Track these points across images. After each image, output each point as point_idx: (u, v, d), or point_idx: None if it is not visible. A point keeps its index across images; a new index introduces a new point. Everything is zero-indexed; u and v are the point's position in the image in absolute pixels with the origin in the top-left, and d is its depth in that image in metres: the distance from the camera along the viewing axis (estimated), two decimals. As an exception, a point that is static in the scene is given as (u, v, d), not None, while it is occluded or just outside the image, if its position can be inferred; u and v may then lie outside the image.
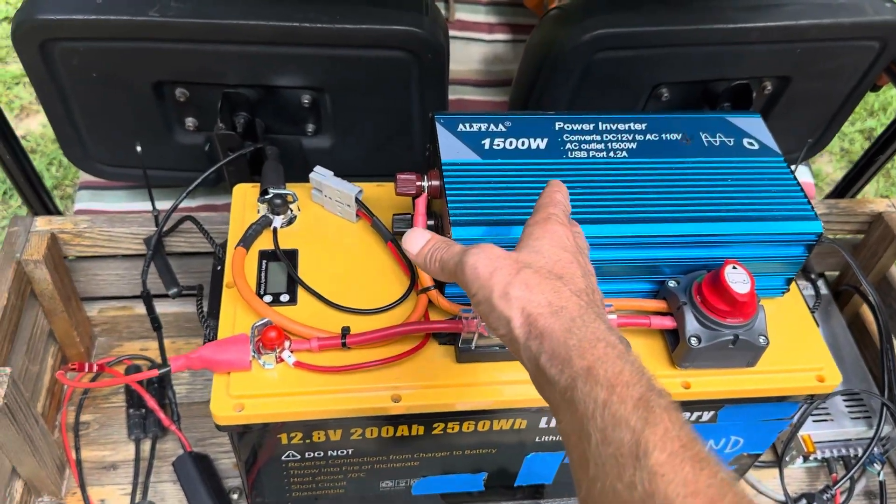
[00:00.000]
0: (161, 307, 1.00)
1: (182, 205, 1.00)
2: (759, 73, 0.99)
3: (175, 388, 0.99)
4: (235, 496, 0.92)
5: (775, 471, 0.99)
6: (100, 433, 0.97)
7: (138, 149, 0.89)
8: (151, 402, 0.92)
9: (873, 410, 1.00)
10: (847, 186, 1.22)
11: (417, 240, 0.57)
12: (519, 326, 0.48)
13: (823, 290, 1.12)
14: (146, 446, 0.96)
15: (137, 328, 1.05)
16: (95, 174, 1.04)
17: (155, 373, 0.68)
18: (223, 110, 0.88)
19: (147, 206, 0.95)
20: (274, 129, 0.96)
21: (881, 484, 0.99)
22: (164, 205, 0.90)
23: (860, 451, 0.98)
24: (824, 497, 0.96)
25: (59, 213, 1.12)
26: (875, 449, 0.97)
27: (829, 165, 2.38)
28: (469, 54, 1.49)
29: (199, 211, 1.13)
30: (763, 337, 0.70)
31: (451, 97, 1.39)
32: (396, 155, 1.01)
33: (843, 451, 0.99)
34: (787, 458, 0.99)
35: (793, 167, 0.78)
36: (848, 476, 0.96)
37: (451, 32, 1.49)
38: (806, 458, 0.98)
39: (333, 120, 0.95)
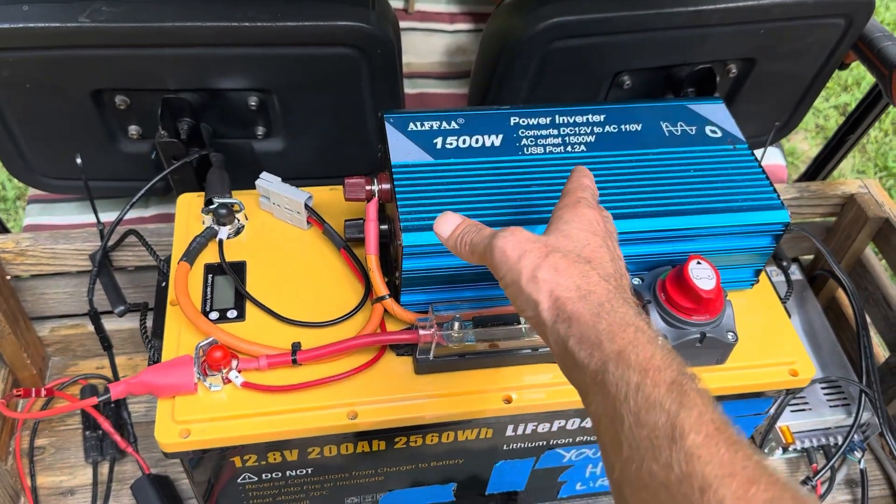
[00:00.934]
0: (114, 324, 0.97)
1: (135, 215, 0.96)
2: (722, 57, 0.96)
3: (133, 407, 0.96)
4: (199, 517, 0.88)
5: (754, 463, 0.96)
6: (56, 457, 0.93)
7: (78, 161, 0.84)
8: (106, 425, 0.88)
9: (852, 397, 0.98)
10: (820, 166, 1.20)
11: (448, 224, 0.57)
12: (547, 310, 0.48)
13: (798, 276, 1.09)
14: (104, 469, 0.92)
15: (92, 346, 1.01)
16: (40, 188, 0.99)
17: (94, 401, 0.65)
18: (164, 117, 0.84)
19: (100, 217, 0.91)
20: (222, 133, 0.92)
21: (862, 472, 0.97)
22: (111, 217, 0.86)
23: (840, 439, 0.96)
24: (805, 489, 0.94)
25: (5, 230, 1.08)
26: (855, 436, 0.95)
27: (805, 143, 2.36)
28: (431, 46, 1.45)
29: (152, 221, 1.09)
30: (731, 333, 0.67)
31: (413, 91, 1.36)
32: (352, 155, 0.97)
33: (823, 440, 0.97)
34: (766, 451, 0.96)
35: (761, 151, 0.75)
36: (828, 466, 0.94)
37: (412, 24, 1.46)
38: (785, 450, 0.96)
39: (283, 121, 0.91)
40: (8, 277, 0.90)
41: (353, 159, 0.98)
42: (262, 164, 0.95)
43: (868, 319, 1.05)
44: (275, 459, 0.70)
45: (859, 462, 0.97)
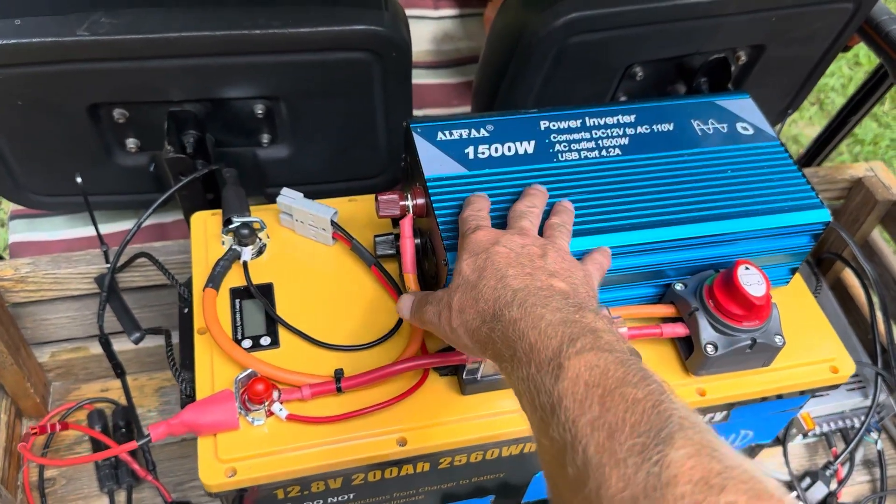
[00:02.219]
0: (119, 344, 0.92)
1: (126, 228, 0.92)
2: (733, 45, 0.95)
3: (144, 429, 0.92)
4: (226, 543, 0.85)
5: (775, 450, 0.97)
6: (68, 489, 0.90)
7: (78, 180, 0.80)
8: (124, 455, 0.84)
9: (867, 380, 0.99)
10: (820, 147, 1.20)
11: (404, 304, 0.62)
12: (474, 344, 0.53)
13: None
14: (121, 497, 0.89)
15: (95, 368, 0.97)
16: (30, 206, 0.94)
17: (133, 445, 0.61)
18: (170, 132, 0.79)
19: (89, 231, 0.87)
20: (225, 142, 0.87)
21: (879, 453, 0.99)
22: (106, 228, 0.82)
23: (856, 422, 0.97)
24: (827, 473, 0.95)
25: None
26: (871, 418, 0.96)
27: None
28: (416, 34, 1.40)
29: (146, 234, 1.04)
30: (779, 336, 0.67)
31: (403, 83, 1.32)
32: (360, 159, 0.94)
33: (840, 424, 0.98)
34: (788, 437, 0.97)
35: None
36: (848, 450, 0.95)
37: (397, 13, 1.41)
38: (805, 435, 0.97)
39: (290, 128, 0.87)
40: (6, 304, 0.86)
41: (361, 163, 0.94)
42: (266, 171, 0.92)
43: (877, 301, 1.07)
44: (318, 489, 0.67)
45: (876, 443, 0.99)
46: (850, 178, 1.03)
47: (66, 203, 0.94)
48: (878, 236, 1.06)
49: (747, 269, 0.64)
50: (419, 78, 1.35)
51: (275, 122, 0.87)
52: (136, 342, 0.77)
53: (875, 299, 1.04)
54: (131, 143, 0.87)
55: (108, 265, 0.79)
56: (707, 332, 0.66)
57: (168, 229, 1.05)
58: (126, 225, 1.05)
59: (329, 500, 0.70)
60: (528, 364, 0.47)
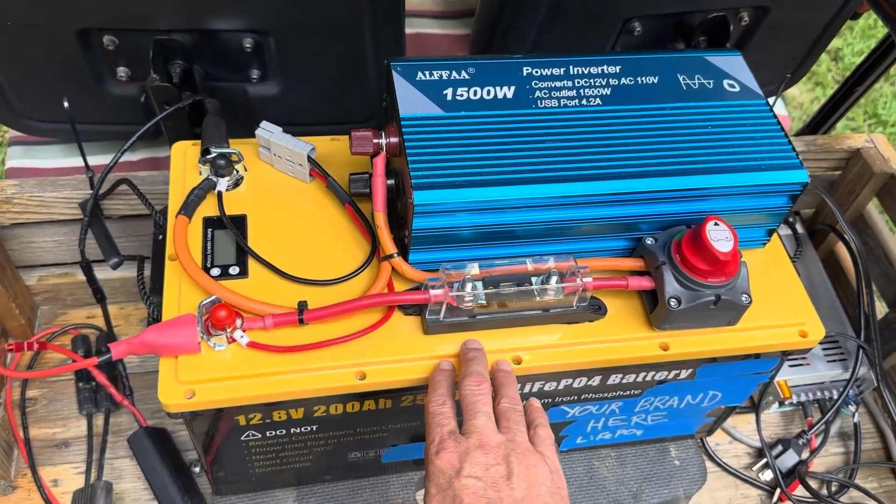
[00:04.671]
0: (106, 273, 0.94)
1: (122, 160, 0.93)
2: (736, 4, 0.93)
3: (127, 357, 0.94)
4: (197, 469, 0.87)
5: (750, 416, 0.97)
6: (48, 409, 0.92)
7: (66, 104, 0.80)
8: (101, 378, 0.86)
9: (849, 352, 0.98)
10: (825, 117, 1.18)
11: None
12: None
13: (799, 230, 1.09)
14: (99, 421, 0.91)
15: (82, 295, 0.98)
16: (24, 131, 0.95)
17: (94, 361, 0.62)
18: (156, 60, 0.79)
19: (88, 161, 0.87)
20: (215, 76, 0.87)
21: (855, 426, 0.99)
22: (102, 160, 0.82)
23: (835, 394, 0.97)
24: (800, 442, 0.95)
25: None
26: (850, 391, 0.95)
27: (795, 88, 2.33)
28: (426, -17, 1.39)
29: (140, 166, 1.05)
30: (745, 295, 0.66)
31: (408, 31, 1.30)
32: (352, 101, 0.93)
33: (819, 395, 0.97)
34: (763, 404, 0.97)
35: (770, 101, 0.73)
36: (823, 420, 0.95)
37: (406, -41, 1.39)
38: (781, 403, 0.97)
39: (280, 65, 0.87)
40: (-7, 225, 0.87)
41: (353, 107, 0.94)
42: (256, 108, 0.92)
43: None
44: (280, 417, 0.69)
45: (853, 416, 0.98)
46: (849, 148, 1.01)
47: (58, 130, 0.95)
48: (874, 209, 1.05)
49: (716, 224, 0.64)
50: (426, 27, 1.34)
51: (264, 58, 0.87)
52: (115, 267, 0.78)
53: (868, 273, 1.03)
54: (122, 71, 0.87)
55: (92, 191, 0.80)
56: (671, 286, 0.65)
57: (163, 163, 1.06)
58: (125, 157, 1.06)
59: (292, 430, 0.71)
60: None
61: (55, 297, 0.98)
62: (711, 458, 0.95)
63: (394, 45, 0.87)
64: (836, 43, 2.42)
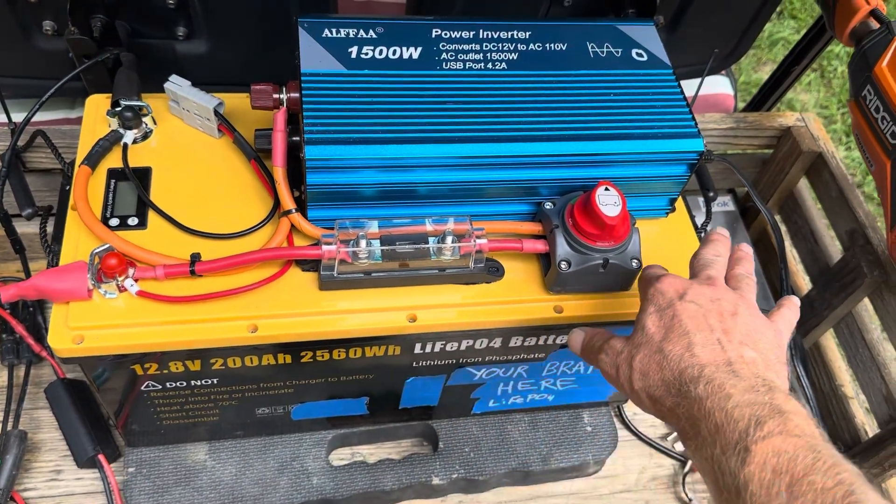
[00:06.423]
0: (32, 227, 0.94)
1: (61, 117, 0.93)
2: (666, -24, 0.93)
3: (50, 312, 0.94)
4: (113, 422, 0.88)
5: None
6: (-30, 359, 0.93)
7: (-16, 54, 0.80)
8: (20, 329, 0.87)
9: (769, 328, 0.99)
10: (765, 96, 1.18)
11: (574, 340, 0.64)
12: (655, 411, 0.54)
13: (730, 207, 1.09)
14: (20, 372, 0.92)
15: (10, 249, 0.98)
16: (-53, 83, 0.95)
17: (-18, 304, 0.63)
18: (75, 12, 0.79)
19: (14, 116, 0.88)
20: (141, 32, 0.87)
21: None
22: (43, 116, 0.82)
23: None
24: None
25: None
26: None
27: (763, 73, 2.33)
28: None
29: (61, 124, 1.04)
30: (636, 260, 0.67)
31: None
32: (280, 62, 0.93)
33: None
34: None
35: (706, 78, 0.74)
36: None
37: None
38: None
39: (205, 22, 0.87)
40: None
41: (282, 66, 0.93)
42: (184, 67, 0.92)
43: (796, 253, 1.07)
44: (177, 369, 0.69)
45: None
46: (780, 126, 1.02)
47: (-13, 83, 0.95)
48: (805, 188, 1.06)
49: (607, 189, 0.65)
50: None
51: (189, 15, 0.87)
52: (28, 218, 0.78)
53: (793, 251, 1.04)
54: (47, 25, 0.87)
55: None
56: (562, 249, 0.66)
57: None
58: (57, 116, 1.06)
59: (192, 382, 0.72)
60: (713, 444, 0.47)
61: (-14, 250, 0.99)
62: (627, 427, 0.97)
63: (321, 4, 0.87)
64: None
